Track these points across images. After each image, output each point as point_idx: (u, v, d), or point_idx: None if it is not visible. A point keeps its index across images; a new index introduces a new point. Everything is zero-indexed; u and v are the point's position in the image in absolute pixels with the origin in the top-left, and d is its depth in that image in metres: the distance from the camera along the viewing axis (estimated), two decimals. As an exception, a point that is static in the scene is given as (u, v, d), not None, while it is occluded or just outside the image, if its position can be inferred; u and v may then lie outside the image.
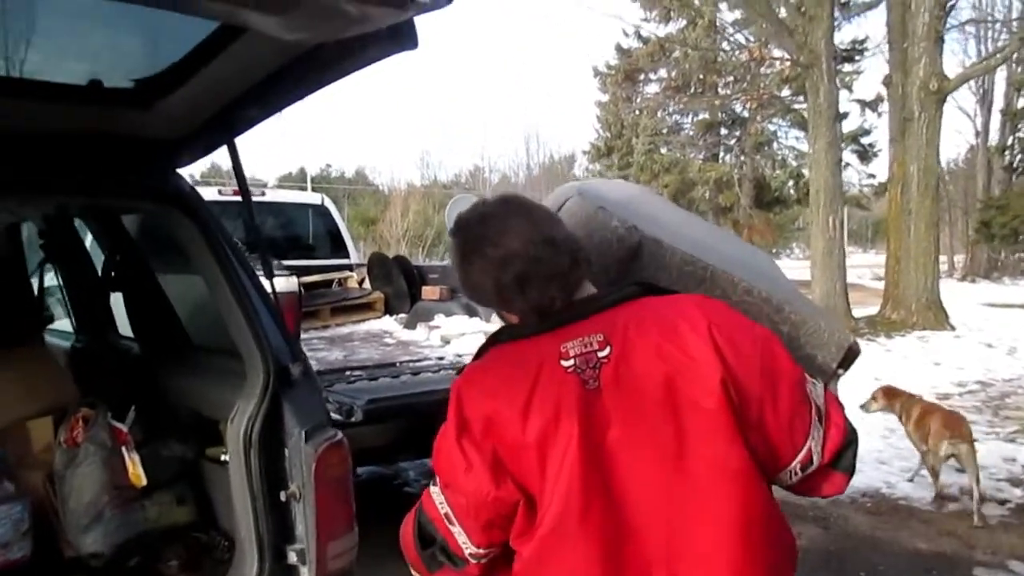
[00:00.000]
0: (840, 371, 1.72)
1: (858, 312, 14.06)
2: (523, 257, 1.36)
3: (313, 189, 7.33)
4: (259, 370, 1.97)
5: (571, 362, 1.33)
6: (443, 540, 1.42)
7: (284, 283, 3.75)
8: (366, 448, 3.68)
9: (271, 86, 1.78)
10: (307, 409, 2.00)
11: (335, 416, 3.52)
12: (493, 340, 1.47)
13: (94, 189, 2.02)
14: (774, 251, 31.99)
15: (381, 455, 4.22)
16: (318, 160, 40.86)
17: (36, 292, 3.27)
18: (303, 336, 5.37)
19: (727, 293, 1.63)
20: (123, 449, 2.21)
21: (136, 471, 2.28)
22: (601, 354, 1.33)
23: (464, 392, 1.39)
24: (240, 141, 1.95)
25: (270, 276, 2.03)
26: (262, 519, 1.95)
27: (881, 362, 9.46)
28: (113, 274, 2.92)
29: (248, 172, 2.08)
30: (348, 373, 4.19)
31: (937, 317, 13.15)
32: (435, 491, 1.43)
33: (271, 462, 1.97)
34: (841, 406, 1.44)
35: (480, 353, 1.48)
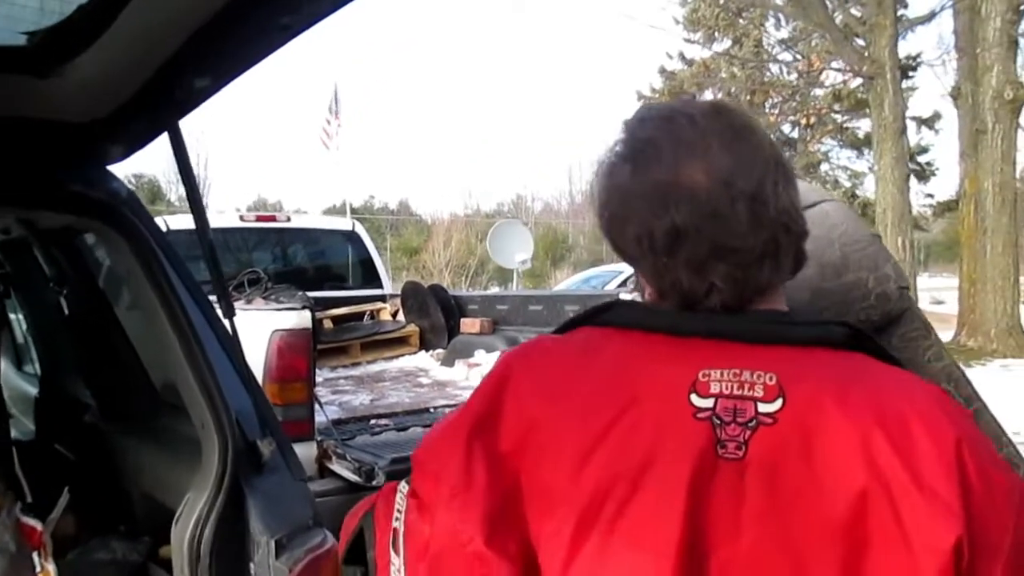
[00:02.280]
0: None
1: (930, 339, 13.18)
2: (699, 201, 0.85)
3: (356, 220, 6.94)
4: (214, 449, 1.37)
5: (709, 402, 0.82)
6: (372, 566, 0.98)
7: (295, 318, 3.18)
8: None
9: (224, 33, 1.21)
10: (280, 506, 1.38)
11: (353, 478, 2.96)
12: (592, 316, 0.96)
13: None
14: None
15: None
16: (362, 192, 40.84)
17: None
18: (329, 375, 4.89)
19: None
20: (34, 556, 1.61)
21: (49, 586, 1.66)
22: (764, 408, 0.81)
23: (515, 373, 0.92)
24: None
25: (229, 315, 1.43)
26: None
27: (966, 395, 8.65)
28: (65, 310, 2.35)
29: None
30: (373, 422, 3.63)
31: (1019, 344, 12.35)
32: (400, 498, 0.98)
33: (229, 583, 1.36)
34: None
35: (565, 328, 0.98)
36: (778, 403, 0.82)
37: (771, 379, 0.83)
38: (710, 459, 0.81)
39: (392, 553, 0.96)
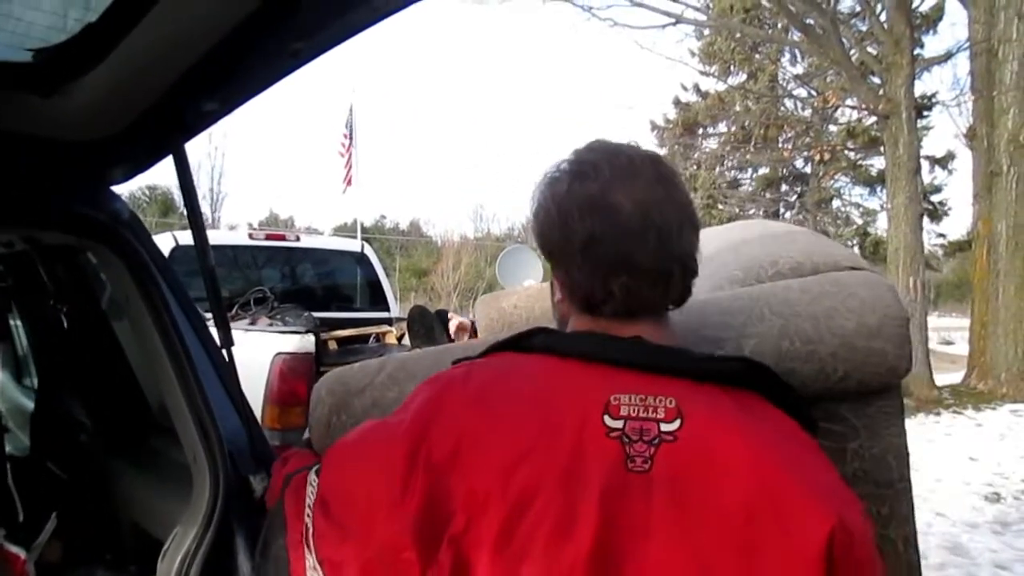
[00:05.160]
0: None
1: (938, 380, 13.05)
2: (618, 219, 1.00)
3: (367, 240, 6.97)
4: (205, 483, 1.32)
5: (619, 423, 0.94)
6: (283, 556, 1.05)
7: (298, 342, 3.14)
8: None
9: (234, 57, 1.19)
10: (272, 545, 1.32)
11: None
12: (516, 342, 1.06)
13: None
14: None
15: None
16: (373, 211, 41.00)
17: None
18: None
19: None
20: (16, 585, 1.56)
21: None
22: (666, 428, 0.94)
23: (447, 392, 1.00)
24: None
25: (227, 344, 1.39)
26: None
27: (974, 439, 8.60)
28: (65, 326, 2.32)
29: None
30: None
31: (1030, 389, 12.11)
32: (311, 491, 1.06)
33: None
34: None
35: (488, 352, 1.08)
36: (677, 423, 0.93)
37: (671, 403, 0.94)
38: (620, 473, 0.91)
39: (306, 549, 1.03)
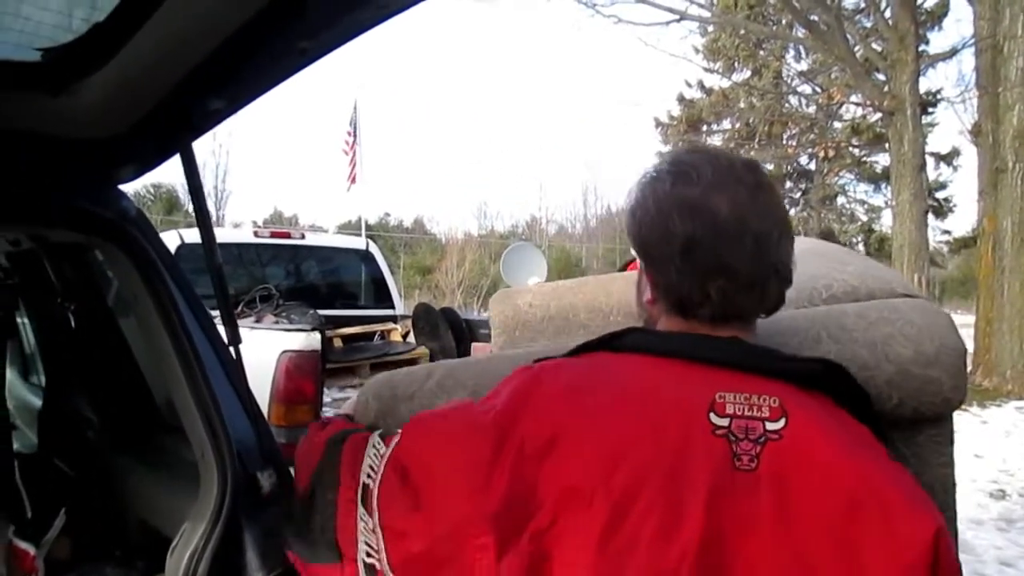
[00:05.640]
0: None
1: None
2: (717, 223, 1.00)
3: (371, 237, 6.96)
4: (213, 479, 1.33)
5: (725, 421, 0.95)
6: (329, 507, 1.06)
7: (304, 340, 3.14)
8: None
9: (240, 56, 1.19)
10: (279, 543, 1.33)
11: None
12: (608, 342, 1.06)
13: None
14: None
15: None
16: (377, 209, 40.94)
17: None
18: (338, 395, 4.86)
19: None
20: (26, 582, 1.57)
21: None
22: (772, 426, 0.95)
23: (539, 387, 1.00)
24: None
25: (234, 342, 1.39)
26: None
27: (979, 437, 8.54)
28: (72, 324, 2.33)
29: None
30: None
31: (1035, 386, 12.07)
32: (373, 454, 1.06)
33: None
34: None
35: (577, 352, 1.09)
36: (782, 422, 0.94)
37: (775, 402, 0.95)
38: (728, 471, 0.92)
39: (361, 508, 1.03)
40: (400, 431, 1.11)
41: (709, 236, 1.00)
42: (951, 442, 1.34)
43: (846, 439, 0.96)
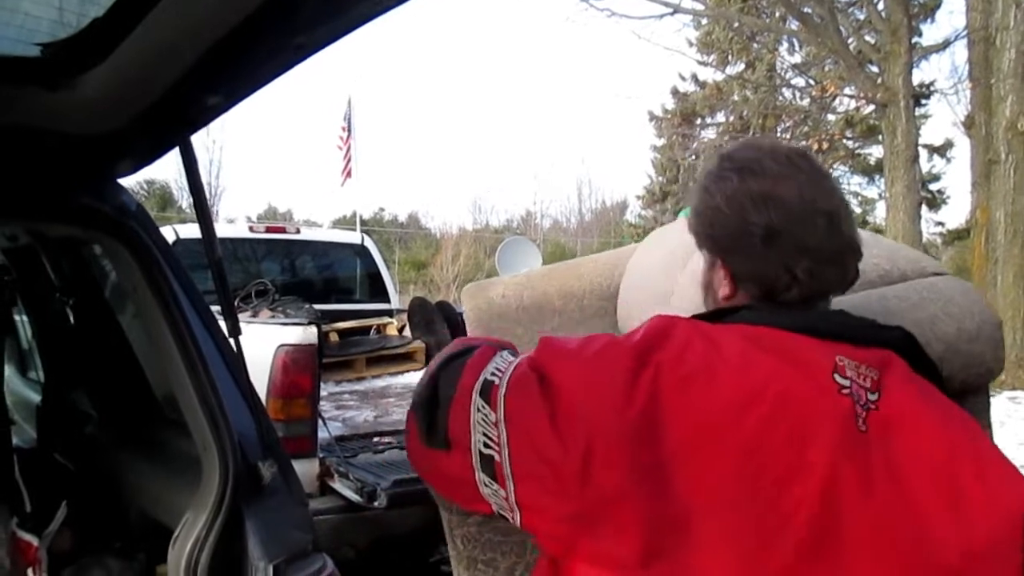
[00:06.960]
0: None
1: (938, 368, 13.08)
2: (790, 209, 1.07)
3: (366, 232, 6.95)
4: (215, 470, 1.35)
5: (847, 382, 1.01)
6: (445, 402, 1.07)
7: (301, 334, 3.15)
8: (391, 536, 3.05)
9: (238, 51, 1.19)
10: (280, 531, 1.36)
11: (355, 498, 2.92)
12: (720, 317, 1.11)
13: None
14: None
15: (409, 546, 3.51)
16: (371, 204, 40.80)
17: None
18: (334, 389, 4.87)
19: None
20: (29, 572, 1.58)
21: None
22: (871, 397, 1.01)
23: (676, 327, 1.04)
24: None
25: (234, 334, 1.41)
26: None
27: (973, 426, 8.57)
28: (71, 319, 2.34)
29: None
30: (376, 440, 3.59)
31: (1028, 376, 12.11)
32: (500, 360, 1.10)
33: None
34: None
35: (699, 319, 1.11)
36: (877, 394, 1.01)
37: (875, 374, 1.03)
38: (852, 430, 0.98)
39: (479, 398, 1.04)
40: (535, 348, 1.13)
41: (785, 221, 1.06)
42: (988, 409, 1.43)
43: (933, 403, 1.04)
